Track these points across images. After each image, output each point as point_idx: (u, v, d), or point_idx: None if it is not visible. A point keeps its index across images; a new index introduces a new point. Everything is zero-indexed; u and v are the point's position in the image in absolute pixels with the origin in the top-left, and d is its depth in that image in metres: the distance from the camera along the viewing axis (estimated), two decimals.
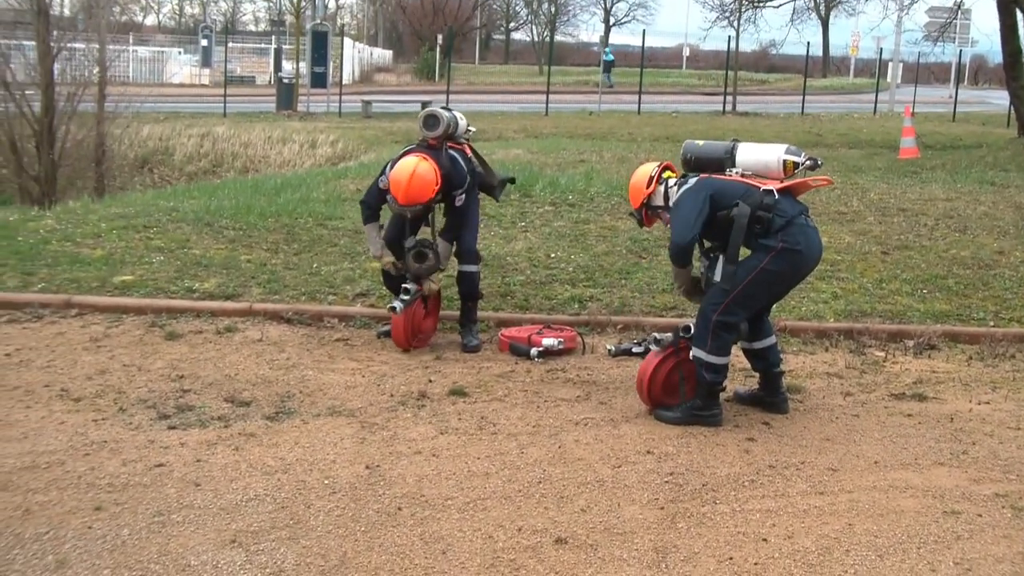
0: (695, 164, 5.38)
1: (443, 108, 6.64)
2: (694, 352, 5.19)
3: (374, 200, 6.51)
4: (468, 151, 6.67)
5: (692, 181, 5.25)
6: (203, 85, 38.89)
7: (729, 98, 30.44)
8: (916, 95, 34.71)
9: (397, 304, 6.20)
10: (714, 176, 5.26)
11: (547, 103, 29.00)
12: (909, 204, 11.21)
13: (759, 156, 5.23)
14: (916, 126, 19.02)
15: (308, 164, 19.34)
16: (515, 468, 4.60)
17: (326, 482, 4.37)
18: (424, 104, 25.58)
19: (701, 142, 5.47)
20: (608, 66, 40.40)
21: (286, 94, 27.55)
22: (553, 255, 8.49)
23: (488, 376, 5.95)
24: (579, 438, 4.99)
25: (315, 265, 8.00)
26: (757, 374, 5.57)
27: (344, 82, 33.84)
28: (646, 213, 5.51)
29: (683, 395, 5.31)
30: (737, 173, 5.23)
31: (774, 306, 5.91)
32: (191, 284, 7.33)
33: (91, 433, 4.82)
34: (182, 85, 39.20)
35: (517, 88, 40.60)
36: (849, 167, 15.07)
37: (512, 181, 7.29)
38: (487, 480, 4.46)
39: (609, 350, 5.71)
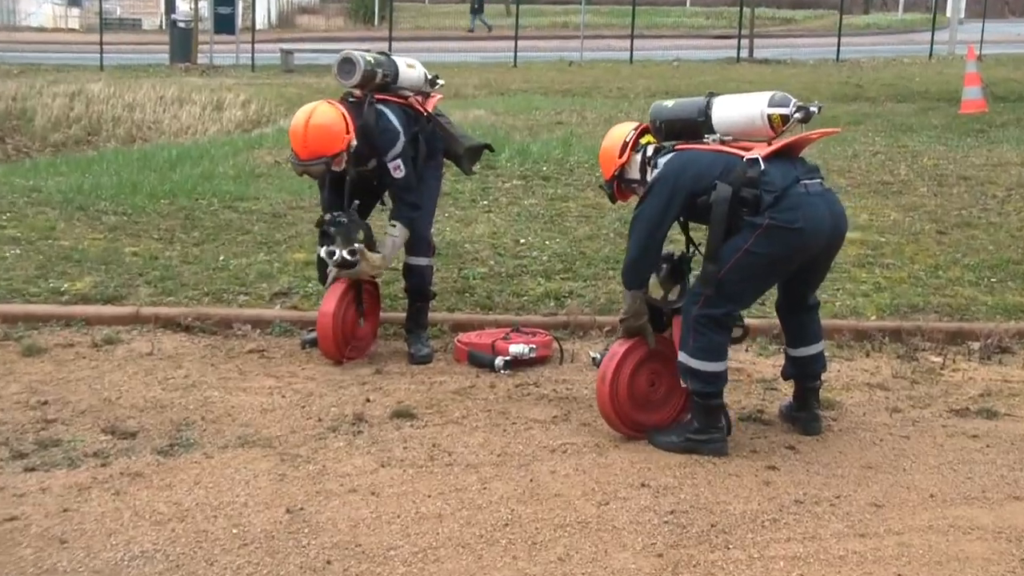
0: (666, 132, 5.44)
1: (381, 54, 6.62)
2: (679, 357, 5.24)
3: (326, 178, 6.48)
4: (416, 106, 6.62)
5: (662, 162, 5.29)
6: (72, 30, 38.67)
7: (744, 42, 30.63)
8: (984, 33, 34.85)
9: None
10: (690, 149, 5.29)
11: (515, 51, 29.06)
12: (973, 171, 11.34)
13: (740, 112, 5.24)
14: (983, 72, 19.04)
15: (212, 131, 19.24)
16: (476, 508, 4.59)
17: (235, 531, 4.35)
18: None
19: (670, 102, 5.50)
20: (478, 6, 40.62)
21: (182, 42, 27.50)
22: (523, 241, 8.52)
23: (441, 393, 5.95)
24: (556, 469, 5.00)
25: (222, 258, 8.00)
26: (788, 381, 5.65)
27: (258, 27, 33.76)
28: (618, 186, 5.58)
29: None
30: (716, 140, 5.26)
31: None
32: (58, 284, 7.29)
33: None
34: (43, 29, 38.88)
35: (478, 33, 40.65)
36: (896, 126, 15.22)
37: (489, 148, 7.28)
38: (440, 524, 4.45)
39: (594, 358, 5.71)
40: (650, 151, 5.44)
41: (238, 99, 21.03)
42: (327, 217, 6.39)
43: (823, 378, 5.63)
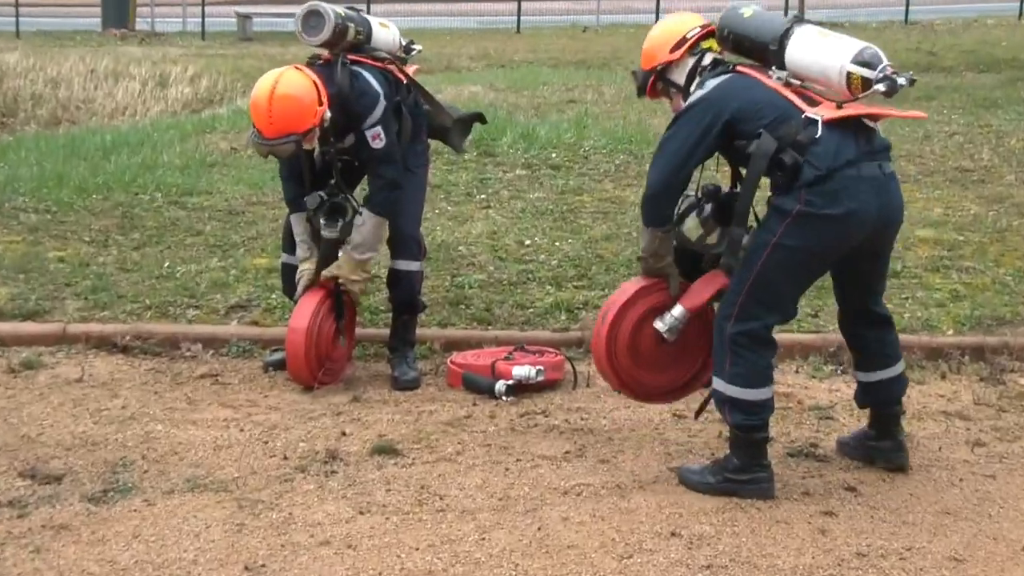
0: (733, 45, 5.41)
1: (350, 9, 6.60)
2: (713, 384, 5.26)
3: (293, 167, 6.50)
4: (396, 72, 6.64)
5: (711, 83, 5.25)
6: None
7: (793, 0, 30.62)
8: None
9: None
10: (748, 75, 5.26)
11: (519, 15, 29.11)
12: None
13: (816, 58, 5.16)
14: None
15: (155, 112, 19.26)
16: (473, 563, 4.60)
17: None
18: None
19: (748, 11, 5.40)
20: None
21: (117, 4, 27.63)
22: (528, 242, 8.53)
23: (431, 425, 5.96)
24: (568, 515, 5.01)
25: (167, 264, 8.02)
26: (863, 409, 5.64)
27: None
28: (654, 82, 5.56)
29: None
30: (780, 80, 5.21)
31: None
32: None
33: None
34: None
35: None
36: (977, 101, 15.21)
37: (480, 119, 7.30)
38: None
39: None
40: (707, 59, 5.44)
41: (186, 73, 21.02)
42: (328, 196, 6.40)
43: (902, 408, 5.61)
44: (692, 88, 5.37)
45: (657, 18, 29.38)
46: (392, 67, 6.64)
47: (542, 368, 6.43)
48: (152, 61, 21.83)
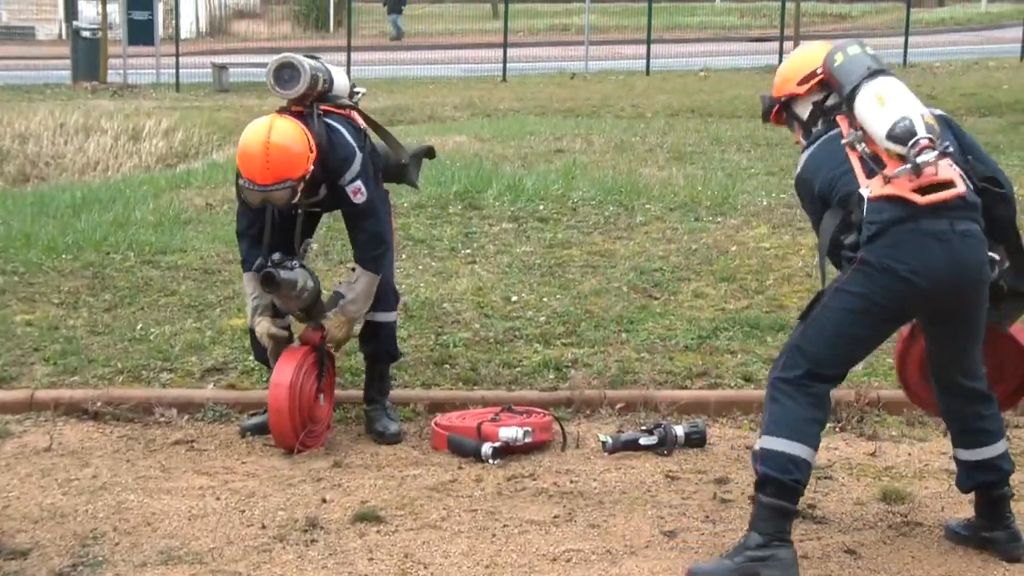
0: (832, 90, 5.41)
1: (310, 56, 6.68)
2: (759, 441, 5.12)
3: (253, 223, 6.55)
4: (358, 119, 6.75)
5: (812, 148, 5.30)
6: None
7: (788, 45, 30.82)
8: None
9: None
10: (831, 141, 5.22)
11: (505, 62, 29.28)
12: None
13: (869, 119, 5.07)
14: None
15: (128, 167, 19.31)
16: None
17: None
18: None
19: (841, 56, 5.28)
20: (396, 4, 40.71)
21: (88, 56, 27.65)
22: (515, 298, 8.56)
23: (415, 490, 5.97)
24: None
25: (140, 326, 8.04)
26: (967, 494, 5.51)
27: (184, 36, 33.96)
28: (779, 110, 5.57)
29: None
30: (856, 138, 5.09)
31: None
32: None
33: None
34: None
35: (459, 40, 40.89)
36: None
37: (429, 154, 7.34)
38: None
39: (604, 443, 5.76)
40: (831, 100, 5.38)
41: (159, 126, 21.08)
42: (276, 257, 6.37)
43: (1009, 488, 5.40)
44: (813, 124, 5.41)
45: (648, 66, 29.61)
46: (354, 113, 6.76)
47: (530, 429, 6.43)
48: (124, 114, 21.91)
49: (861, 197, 4.98)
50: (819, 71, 5.38)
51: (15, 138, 20.83)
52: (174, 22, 32.19)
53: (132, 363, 7.40)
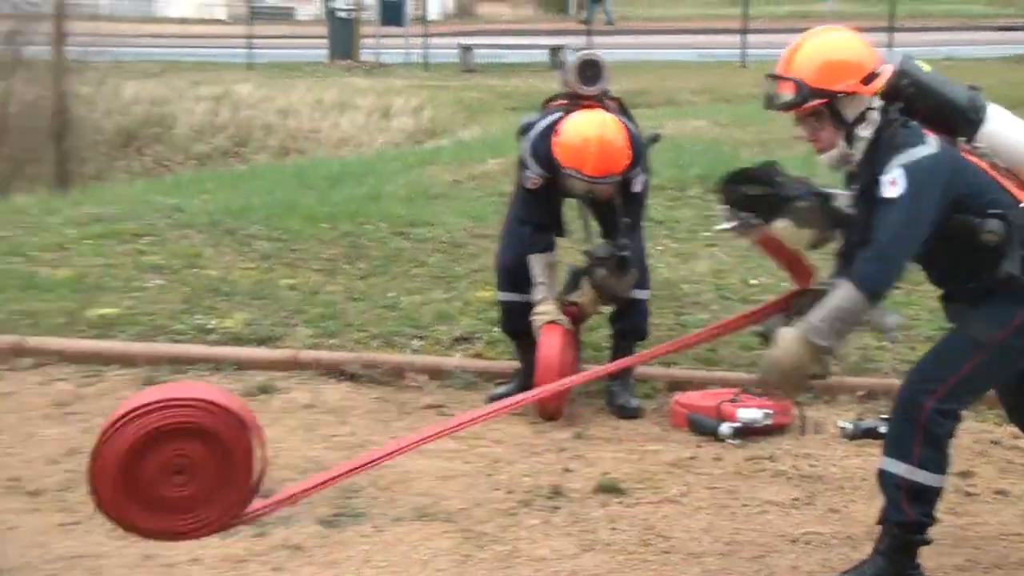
0: (908, 98, 4.55)
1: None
2: (884, 465, 4.69)
3: (541, 198, 6.74)
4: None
5: (920, 154, 4.42)
6: (217, 21, 39.93)
7: None
8: None
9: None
10: (950, 148, 4.54)
11: (744, 47, 28.88)
12: None
13: (1015, 138, 4.64)
14: None
15: (379, 142, 19.65)
16: None
17: None
18: (555, 50, 25.84)
19: (928, 66, 4.65)
20: None
21: (342, 36, 28.26)
22: (754, 281, 8.53)
23: (655, 465, 6.02)
24: (798, 564, 5.02)
25: (392, 294, 8.23)
26: None
27: (431, 18, 34.41)
28: (812, 107, 4.51)
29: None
30: (984, 156, 4.59)
31: None
32: (205, 321, 7.62)
33: (56, 544, 5.04)
34: (184, 21, 40.31)
35: (697, 25, 40.56)
36: None
37: (654, 139, 7.29)
38: None
39: (843, 429, 5.73)
40: (892, 111, 4.51)
41: (409, 104, 21.34)
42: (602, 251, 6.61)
43: None
44: (857, 130, 4.54)
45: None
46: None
47: (770, 412, 6.42)
48: (376, 92, 22.26)
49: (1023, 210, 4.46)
50: (879, 71, 4.51)
51: (277, 113, 21.41)
52: (423, 4, 32.60)
53: (385, 329, 7.58)
